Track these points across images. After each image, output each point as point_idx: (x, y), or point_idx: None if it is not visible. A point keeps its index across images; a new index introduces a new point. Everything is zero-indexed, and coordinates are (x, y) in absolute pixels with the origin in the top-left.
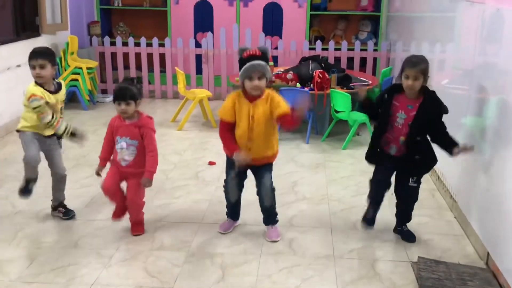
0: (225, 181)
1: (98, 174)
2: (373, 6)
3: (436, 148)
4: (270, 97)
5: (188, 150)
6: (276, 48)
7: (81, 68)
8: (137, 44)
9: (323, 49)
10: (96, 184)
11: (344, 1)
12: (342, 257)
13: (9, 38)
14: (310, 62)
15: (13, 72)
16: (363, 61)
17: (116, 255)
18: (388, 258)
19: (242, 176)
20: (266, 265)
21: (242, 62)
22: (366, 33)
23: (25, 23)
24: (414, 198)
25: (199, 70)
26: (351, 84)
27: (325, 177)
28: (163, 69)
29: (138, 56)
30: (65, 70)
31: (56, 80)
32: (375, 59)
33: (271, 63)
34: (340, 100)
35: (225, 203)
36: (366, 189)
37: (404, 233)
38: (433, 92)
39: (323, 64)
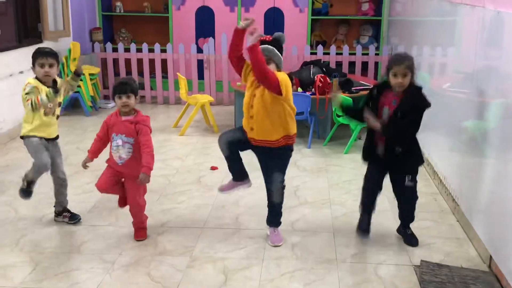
0: (220, 134)
1: (84, 166)
2: (374, 11)
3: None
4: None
5: (190, 155)
6: None
7: (83, 74)
8: (139, 50)
9: (324, 53)
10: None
11: (345, 5)
12: (344, 261)
13: (11, 45)
14: (312, 67)
15: (15, 78)
16: (364, 65)
17: (119, 260)
18: (391, 262)
19: (235, 141)
20: (269, 269)
21: None
22: (367, 37)
23: (28, 30)
24: (414, 197)
25: (200, 76)
26: (352, 88)
27: (327, 181)
28: (165, 75)
29: (140, 62)
30: (68, 76)
31: (56, 80)
32: (376, 63)
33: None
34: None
35: (227, 207)
36: None
37: (407, 236)
38: (419, 88)
39: (324, 69)
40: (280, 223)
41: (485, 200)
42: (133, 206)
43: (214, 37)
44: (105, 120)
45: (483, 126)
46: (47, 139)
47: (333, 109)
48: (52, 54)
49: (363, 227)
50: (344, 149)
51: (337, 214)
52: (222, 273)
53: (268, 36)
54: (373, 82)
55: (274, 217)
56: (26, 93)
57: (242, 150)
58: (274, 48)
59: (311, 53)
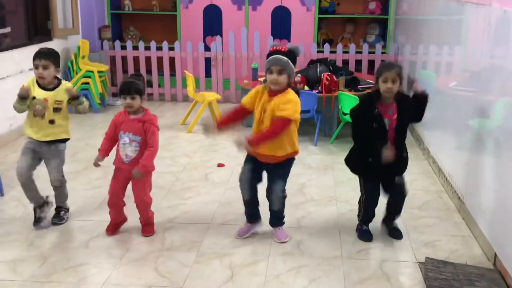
0: (240, 175)
1: (96, 165)
2: (381, 9)
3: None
4: (285, 97)
5: (197, 152)
6: None
7: (92, 71)
8: (147, 48)
9: (331, 52)
10: (107, 185)
11: (352, 4)
12: (350, 258)
13: (22, 42)
14: (318, 65)
15: (25, 75)
16: (371, 63)
17: (126, 255)
18: (396, 258)
19: (255, 175)
20: (275, 265)
21: (268, 56)
22: (374, 36)
23: (37, 27)
24: (405, 193)
25: (208, 73)
26: (359, 87)
27: (333, 178)
28: (173, 73)
29: (148, 59)
30: (77, 73)
31: (60, 79)
32: (383, 62)
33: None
34: (348, 102)
35: (233, 204)
36: None
37: (392, 231)
38: (401, 92)
39: (331, 67)
40: (283, 223)
41: (490, 198)
42: (140, 203)
43: (221, 35)
44: (113, 118)
45: (488, 125)
46: (40, 141)
47: (339, 107)
48: (46, 55)
49: (368, 238)
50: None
51: (343, 211)
52: (229, 268)
53: (284, 47)
54: None
55: (276, 219)
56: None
57: (258, 182)
58: (289, 61)
59: (318, 52)
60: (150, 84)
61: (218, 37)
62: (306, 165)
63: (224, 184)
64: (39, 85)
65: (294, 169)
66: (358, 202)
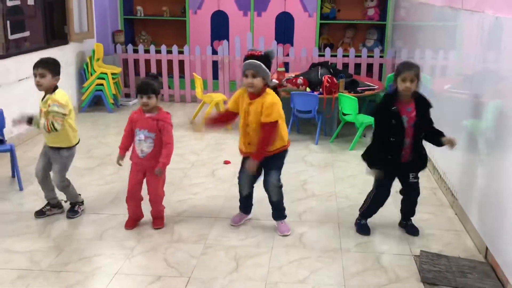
0: (239, 173)
1: (118, 163)
2: (379, 16)
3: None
4: (266, 100)
5: (205, 150)
6: (287, 55)
7: (106, 73)
8: (158, 52)
9: (332, 55)
10: (119, 181)
11: (352, 10)
12: (348, 251)
13: (40, 45)
14: (320, 68)
15: None
16: (369, 67)
17: (138, 247)
18: (392, 251)
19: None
20: (277, 257)
21: (244, 61)
22: (372, 40)
23: (55, 32)
24: (417, 192)
25: (215, 76)
26: (358, 89)
27: (333, 175)
28: (182, 75)
29: (159, 62)
30: (91, 75)
31: (56, 89)
32: (381, 65)
33: (282, 68)
34: (348, 103)
35: (238, 198)
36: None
37: (408, 227)
38: (422, 94)
39: (331, 70)
40: (285, 216)
41: (482, 194)
42: (153, 196)
43: (228, 40)
44: (129, 116)
45: (481, 125)
46: (49, 146)
47: (339, 108)
48: (43, 64)
49: (366, 232)
50: (350, 146)
51: (342, 206)
52: (234, 260)
53: (258, 51)
54: (377, 82)
55: (277, 212)
56: None
57: (258, 177)
58: (262, 64)
59: (319, 55)
60: (160, 86)
61: (225, 41)
62: (307, 163)
63: (229, 180)
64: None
65: (296, 167)
66: (367, 196)
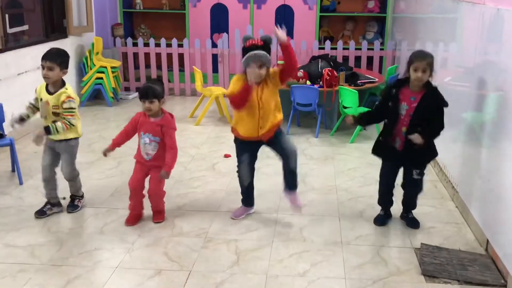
0: (238, 166)
1: (105, 154)
2: (379, 8)
3: (440, 142)
4: (269, 75)
5: (205, 143)
6: None
7: (105, 67)
8: (158, 45)
9: (332, 48)
10: (119, 175)
11: (352, 3)
12: (349, 244)
13: (39, 39)
14: (320, 61)
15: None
16: (370, 59)
17: (138, 240)
18: (393, 244)
19: (252, 159)
20: (278, 250)
21: (244, 51)
22: (372, 33)
23: (54, 25)
24: (419, 189)
25: (215, 69)
26: (358, 82)
27: (333, 169)
28: (181, 68)
29: (158, 56)
30: (91, 69)
31: (65, 85)
32: (381, 58)
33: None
34: (348, 96)
35: (239, 192)
36: (372, 180)
37: (409, 220)
38: (436, 87)
39: (331, 63)
40: (297, 186)
41: (482, 187)
42: (153, 195)
43: (228, 33)
44: (134, 116)
45: (481, 118)
46: (55, 140)
47: (340, 101)
48: (52, 56)
49: (379, 222)
50: (350, 139)
51: (343, 200)
52: (235, 253)
53: (259, 41)
54: (378, 75)
55: (294, 181)
56: None
57: (254, 164)
58: (267, 54)
59: (319, 48)
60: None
61: (225, 34)
62: (307, 156)
63: (230, 174)
64: (47, 87)
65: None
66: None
